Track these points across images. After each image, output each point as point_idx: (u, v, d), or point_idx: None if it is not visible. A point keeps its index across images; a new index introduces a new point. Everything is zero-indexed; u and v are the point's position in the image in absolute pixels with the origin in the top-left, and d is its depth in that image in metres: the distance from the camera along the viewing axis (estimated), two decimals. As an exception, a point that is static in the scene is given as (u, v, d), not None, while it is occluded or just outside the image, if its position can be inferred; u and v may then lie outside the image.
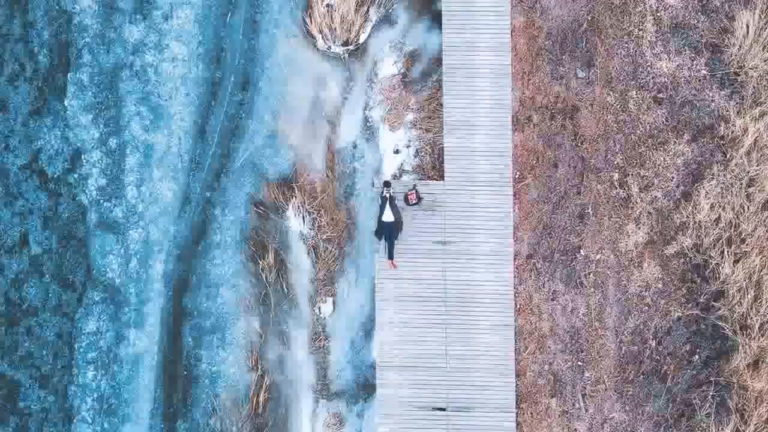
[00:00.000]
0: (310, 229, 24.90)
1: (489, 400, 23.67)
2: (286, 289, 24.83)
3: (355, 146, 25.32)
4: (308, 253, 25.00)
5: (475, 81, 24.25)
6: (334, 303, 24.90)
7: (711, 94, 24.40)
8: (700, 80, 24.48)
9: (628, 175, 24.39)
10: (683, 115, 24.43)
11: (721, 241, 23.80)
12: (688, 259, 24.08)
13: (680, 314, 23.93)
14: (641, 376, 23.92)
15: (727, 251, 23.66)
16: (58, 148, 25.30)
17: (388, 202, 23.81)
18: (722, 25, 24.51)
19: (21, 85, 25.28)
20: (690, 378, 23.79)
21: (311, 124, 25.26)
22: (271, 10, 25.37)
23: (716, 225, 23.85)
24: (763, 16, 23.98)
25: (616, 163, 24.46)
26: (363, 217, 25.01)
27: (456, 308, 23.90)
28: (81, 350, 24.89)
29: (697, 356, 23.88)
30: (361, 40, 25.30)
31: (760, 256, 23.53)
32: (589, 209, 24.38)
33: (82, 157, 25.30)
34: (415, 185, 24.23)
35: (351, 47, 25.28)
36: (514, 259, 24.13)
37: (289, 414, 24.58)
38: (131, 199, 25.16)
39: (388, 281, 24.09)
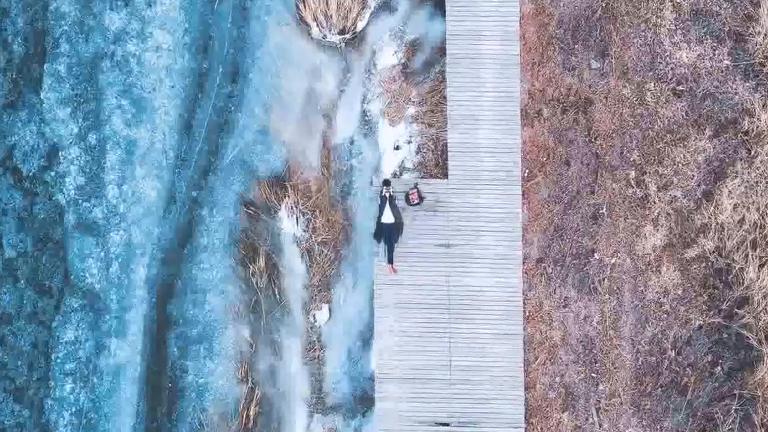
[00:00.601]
0: (305, 230, 24.91)
1: (496, 414, 23.69)
2: (278, 296, 24.85)
3: (352, 142, 25.36)
4: (302, 257, 24.98)
5: (481, 72, 24.31)
6: (329, 310, 24.93)
7: (734, 86, 24.49)
8: (722, 71, 24.54)
9: (646, 173, 24.42)
10: (704, 108, 24.53)
11: (745, 243, 23.86)
12: (709, 263, 24.09)
13: (701, 322, 24.01)
14: (659, 389, 23.96)
15: (752, 255, 23.70)
16: (33, 144, 25.40)
17: (387, 202, 23.78)
18: (746, 11, 24.63)
19: (-6, 76, 25.78)
20: (712, 391, 23.81)
21: (305, 118, 25.35)
22: (263, -4, 25.95)
23: (740, 226, 23.88)
24: (790, 3, 24.44)
25: (632, 160, 24.50)
26: (361, 218, 24.99)
27: (460, 316, 23.90)
28: (58, 361, 24.89)
29: (719, 367, 23.90)
30: (359, 28, 25.40)
31: (788, 260, 23.87)
32: (604, 210, 24.42)
33: (60, 153, 25.35)
34: (416, 184, 24.16)
35: (348, 36, 25.39)
36: (523, 263, 24.15)
37: (282, 429, 24.58)
38: (112, 199, 25.18)
39: (387, 287, 24.10)
